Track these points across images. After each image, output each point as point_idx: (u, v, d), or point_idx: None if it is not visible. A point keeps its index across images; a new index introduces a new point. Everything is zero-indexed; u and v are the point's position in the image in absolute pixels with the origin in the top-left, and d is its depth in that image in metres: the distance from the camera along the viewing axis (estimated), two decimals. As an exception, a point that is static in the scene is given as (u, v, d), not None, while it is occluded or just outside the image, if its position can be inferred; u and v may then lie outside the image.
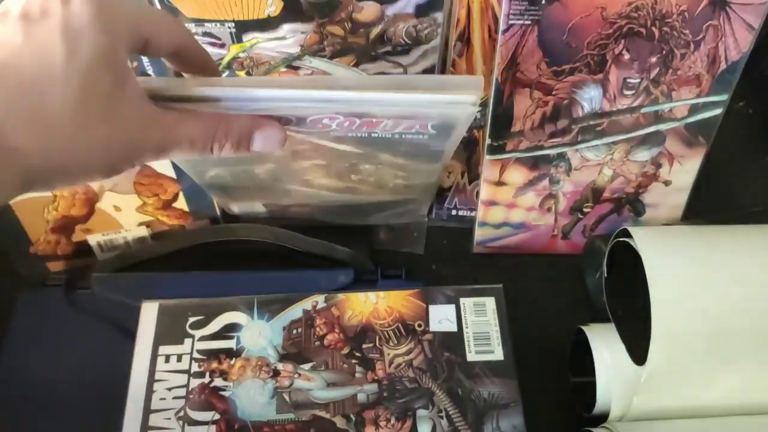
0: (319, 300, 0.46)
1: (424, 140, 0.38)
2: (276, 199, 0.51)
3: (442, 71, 0.47)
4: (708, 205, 0.51)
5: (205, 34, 0.42)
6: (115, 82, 0.27)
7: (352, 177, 0.46)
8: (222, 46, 0.42)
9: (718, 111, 0.45)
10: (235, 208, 0.53)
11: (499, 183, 0.49)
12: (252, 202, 0.52)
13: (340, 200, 0.50)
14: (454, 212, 0.55)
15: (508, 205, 0.51)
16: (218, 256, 0.52)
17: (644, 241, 0.41)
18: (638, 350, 0.41)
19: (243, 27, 0.42)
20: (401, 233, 0.56)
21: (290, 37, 0.42)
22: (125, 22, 0.28)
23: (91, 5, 0.27)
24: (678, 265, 0.40)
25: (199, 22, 0.41)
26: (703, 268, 0.40)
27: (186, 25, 0.41)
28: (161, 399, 0.42)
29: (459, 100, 0.32)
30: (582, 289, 0.52)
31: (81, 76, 0.26)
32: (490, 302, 0.46)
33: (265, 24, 0.41)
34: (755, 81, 0.58)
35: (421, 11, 0.41)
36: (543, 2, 0.40)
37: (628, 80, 0.44)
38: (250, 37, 0.42)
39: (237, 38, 0.42)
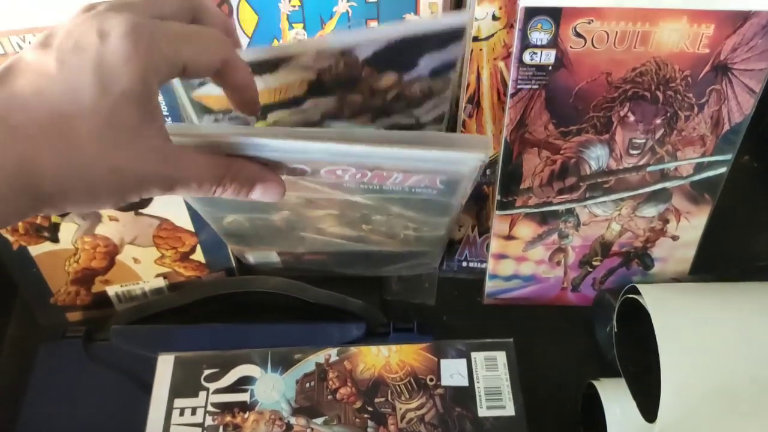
0: (332, 353, 0.47)
1: (433, 195, 0.39)
2: (291, 247, 0.52)
3: (453, 130, 0.49)
4: (716, 260, 0.52)
5: (231, 118, 0.43)
6: (142, 119, 0.28)
7: (364, 227, 0.47)
8: (246, 123, 0.44)
9: (723, 170, 0.46)
10: (251, 257, 0.54)
11: (509, 237, 0.50)
12: (267, 251, 0.53)
13: (352, 249, 0.51)
14: (464, 264, 0.56)
15: (517, 258, 0.52)
16: (233, 308, 0.53)
17: (653, 298, 0.41)
18: (649, 406, 0.42)
19: (268, 108, 0.42)
20: (413, 284, 0.57)
21: (312, 109, 0.43)
22: (163, 54, 0.28)
23: (128, 41, 0.27)
24: (687, 322, 0.41)
25: (226, 111, 0.42)
26: (712, 326, 0.41)
27: (214, 116, 0.42)
28: (176, 453, 0.43)
29: (468, 158, 0.33)
30: (592, 341, 0.52)
31: (109, 111, 0.27)
32: (501, 356, 0.46)
33: (291, 103, 0.42)
34: (759, 135, 0.59)
35: (435, 73, 0.43)
36: (550, 68, 0.42)
37: (634, 140, 0.45)
38: (274, 115, 0.43)
39: (262, 116, 0.43)
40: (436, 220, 0.45)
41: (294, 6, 0.44)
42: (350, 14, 0.44)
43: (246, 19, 0.44)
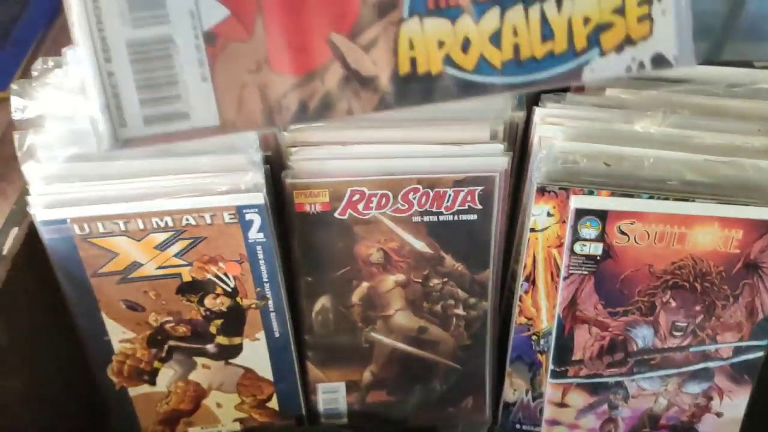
0: None
1: (474, 221, 0.50)
2: (360, 359, 0.57)
3: (509, 305, 0.55)
4: (761, 438, 0.54)
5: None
6: None
7: (425, 305, 0.54)
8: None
9: (760, 354, 0.50)
10: (320, 393, 0.59)
11: (562, 404, 0.54)
12: (337, 384, 0.58)
13: (412, 357, 0.57)
14: (518, 426, 0.59)
15: (570, 425, 0.55)
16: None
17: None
18: None
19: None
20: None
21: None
22: None
23: None
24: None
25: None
26: None
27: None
28: None
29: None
30: None
31: None
32: None
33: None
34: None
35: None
36: (598, 258, 0.48)
37: (677, 323, 0.50)
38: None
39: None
40: (480, 277, 0.53)
41: None
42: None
43: None
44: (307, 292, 0.54)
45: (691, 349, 0.51)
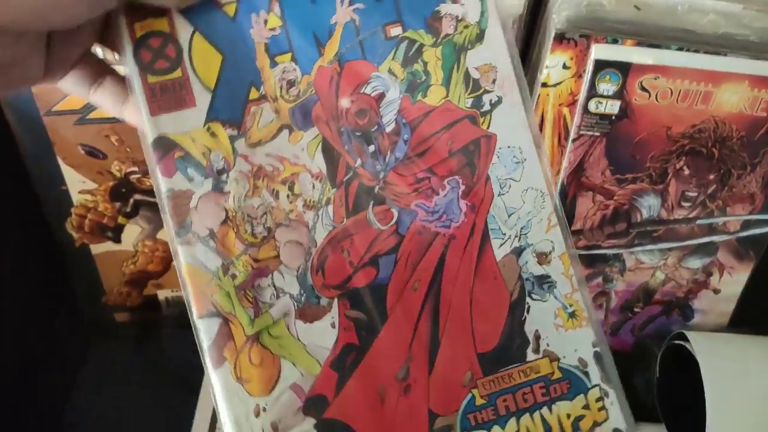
0: None
1: None
2: None
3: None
4: (754, 315, 0.53)
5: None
6: None
7: None
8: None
9: (769, 228, 0.48)
10: None
11: (555, 277, 0.52)
12: None
13: None
14: (505, 300, 0.57)
15: (561, 298, 0.53)
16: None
17: (701, 346, 0.43)
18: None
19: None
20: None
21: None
22: None
23: None
24: (734, 373, 0.42)
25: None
26: (759, 378, 0.42)
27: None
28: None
29: None
30: (627, 387, 0.53)
31: None
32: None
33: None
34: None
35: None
36: (613, 118, 0.44)
37: (687, 193, 0.47)
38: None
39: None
40: None
41: (273, 29, 0.31)
42: (358, 23, 0.31)
43: (204, 62, 0.31)
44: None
45: (698, 222, 0.48)
